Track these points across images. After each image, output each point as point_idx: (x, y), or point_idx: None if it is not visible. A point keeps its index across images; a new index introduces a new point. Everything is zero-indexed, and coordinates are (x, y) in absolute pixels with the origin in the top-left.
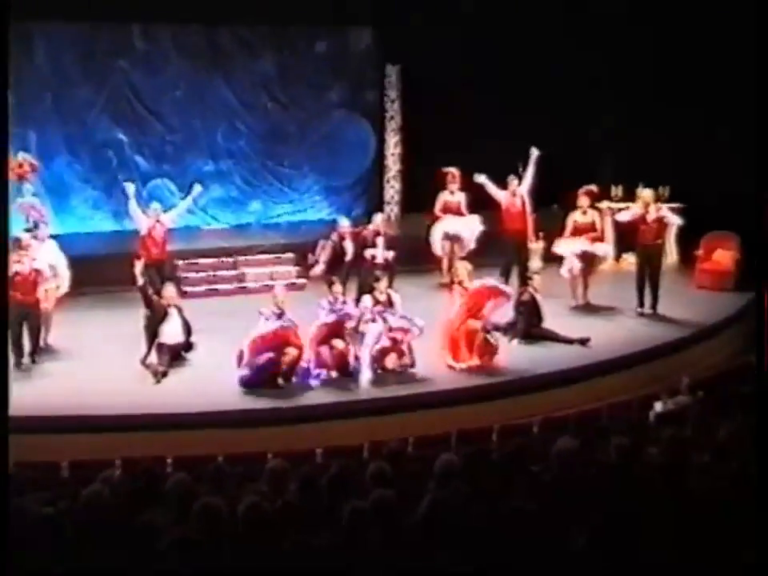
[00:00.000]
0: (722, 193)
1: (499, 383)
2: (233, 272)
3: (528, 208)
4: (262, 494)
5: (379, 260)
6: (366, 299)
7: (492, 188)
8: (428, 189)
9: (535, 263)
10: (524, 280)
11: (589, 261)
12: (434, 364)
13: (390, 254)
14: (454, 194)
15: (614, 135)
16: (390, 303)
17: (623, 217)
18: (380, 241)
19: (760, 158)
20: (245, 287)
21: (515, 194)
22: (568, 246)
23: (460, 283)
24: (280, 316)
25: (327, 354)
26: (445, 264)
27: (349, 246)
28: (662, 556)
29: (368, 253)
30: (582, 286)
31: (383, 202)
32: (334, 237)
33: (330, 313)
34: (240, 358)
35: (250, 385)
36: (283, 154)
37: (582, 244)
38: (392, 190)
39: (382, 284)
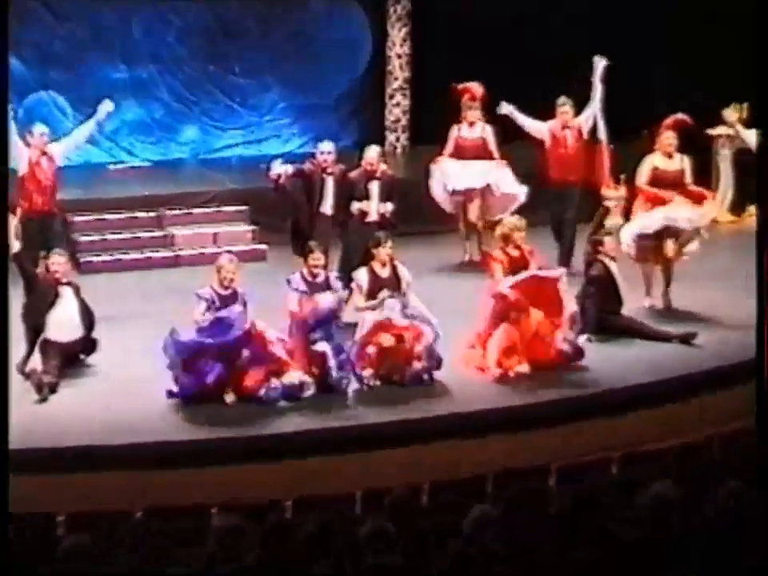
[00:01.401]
0: None
1: (558, 401)
2: (156, 233)
3: (600, 143)
4: (205, 563)
5: (372, 216)
6: (361, 274)
7: (526, 120)
8: (451, 108)
9: (612, 219)
10: (594, 246)
11: (673, 237)
12: (458, 372)
13: (389, 208)
14: (473, 126)
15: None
16: (395, 281)
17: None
18: (375, 187)
19: None
20: (175, 256)
21: (568, 126)
22: (643, 221)
23: (504, 247)
24: (227, 300)
25: (301, 356)
26: (462, 230)
27: (329, 189)
28: None
29: (356, 206)
30: (663, 276)
31: (383, 128)
32: (307, 167)
33: (306, 295)
34: (173, 361)
35: (186, 400)
36: (234, 56)
37: (668, 212)
38: (397, 110)
39: (384, 250)
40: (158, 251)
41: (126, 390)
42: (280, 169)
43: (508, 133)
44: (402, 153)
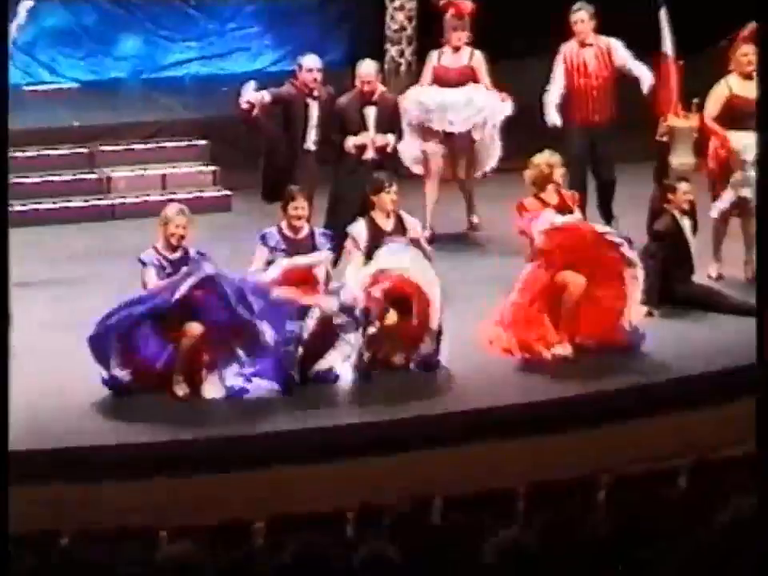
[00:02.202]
0: None
1: (605, 395)
2: (87, 175)
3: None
4: None
5: (369, 154)
6: (358, 228)
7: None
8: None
9: (682, 157)
10: (664, 193)
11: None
12: (477, 355)
13: (391, 141)
14: (458, 52)
15: None
16: (402, 234)
17: None
18: (371, 114)
19: None
20: (111, 205)
21: (586, 43)
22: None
23: (539, 193)
24: (178, 265)
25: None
26: (429, 194)
27: (314, 117)
28: None
29: (350, 141)
30: (745, 238)
31: (383, 38)
32: (287, 91)
33: (284, 255)
34: (104, 341)
35: (123, 391)
36: None
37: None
38: (400, 15)
39: (388, 196)
40: (89, 199)
41: (46, 380)
42: (253, 96)
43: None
44: (406, 71)
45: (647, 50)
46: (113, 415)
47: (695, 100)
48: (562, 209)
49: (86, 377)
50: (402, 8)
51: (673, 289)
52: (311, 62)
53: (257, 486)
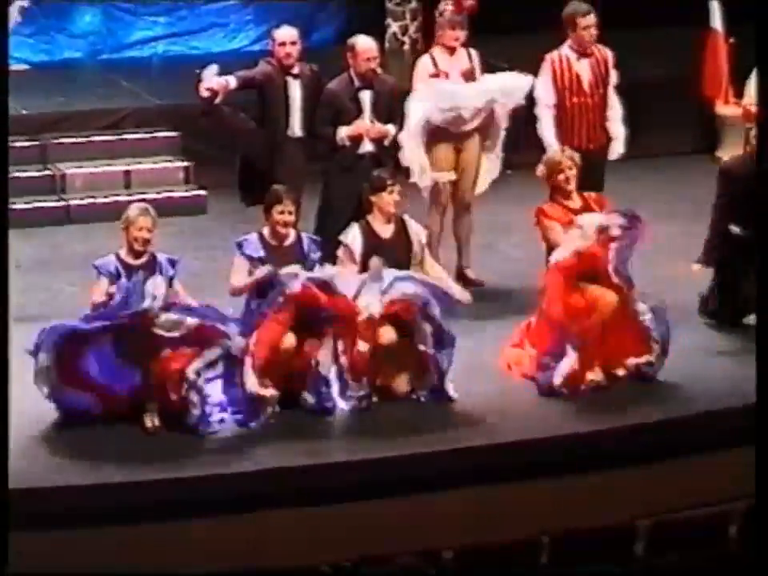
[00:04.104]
0: None
1: (644, 427)
2: (38, 172)
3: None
4: None
5: (366, 147)
6: (352, 234)
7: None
8: None
9: (732, 152)
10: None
11: None
12: (494, 381)
13: (391, 131)
14: (455, 54)
15: None
16: (404, 244)
17: None
18: (366, 99)
19: None
20: (65, 206)
21: (586, 52)
22: None
23: (559, 197)
24: (142, 270)
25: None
26: (435, 240)
27: (296, 99)
28: None
29: (343, 132)
30: None
31: (383, 12)
32: (261, 71)
33: (256, 262)
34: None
35: (71, 419)
36: None
37: None
38: None
39: (389, 197)
40: (40, 199)
41: None
42: (216, 82)
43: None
44: (410, 50)
45: (692, 24)
46: (60, 451)
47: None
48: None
49: (33, 405)
50: None
51: (737, 292)
52: (284, 34)
53: (235, 536)
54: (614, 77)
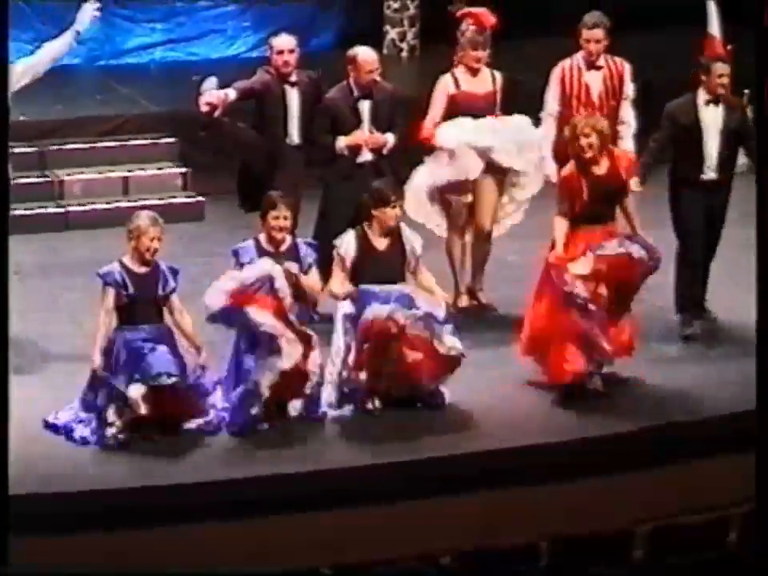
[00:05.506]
0: None
1: (648, 431)
2: (36, 178)
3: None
4: None
5: (364, 156)
6: (347, 240)
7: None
8: None
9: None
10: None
11: None
12: (493, 391)
13: (390, 141)
14: (477, 75)
15: None
16: (398, 256)
17: None
18: (365, 108)
19: None
20: (64, 212)
21: (595, 64)
22: None
23: (584, 161)
24: (144, 282)
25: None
26: (456, 259)
27: (294, 106)
28: None
29: (341, 142)
30: None
31: (381, 19)
32: (260, 80)
33: (249, 269)
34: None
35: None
36: None
37: None
38: None
39: (391, 212)
40: (38, 206)
41: None
42: (215, 96)
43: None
44: (408, 57)
45: (689, 27)
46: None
47: (746, 91)
48: (605, 183)
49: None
50: None
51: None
52: (282, 41)
53: (232, 542)
54: (629, 90)
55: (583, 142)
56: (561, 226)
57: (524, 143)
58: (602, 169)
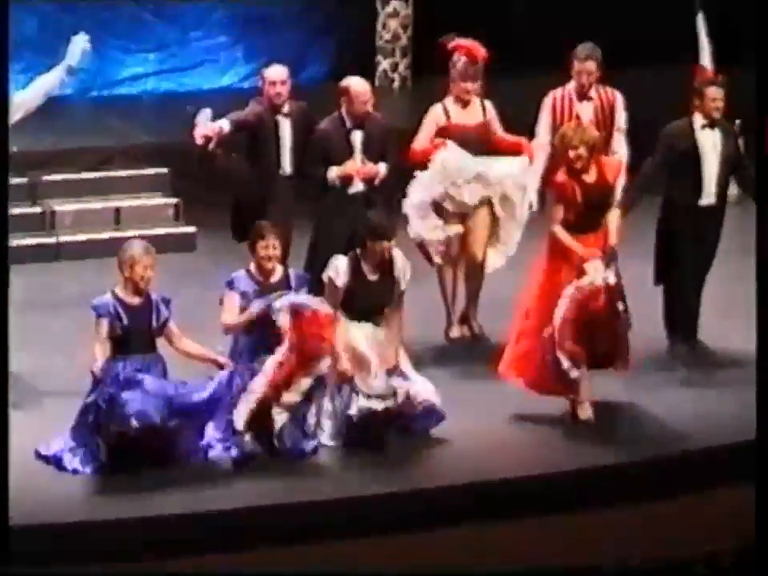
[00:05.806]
0: None
1: (648, 462)
2: (28, 209)
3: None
4: None
5: (356, 187)
6: (337, 267)
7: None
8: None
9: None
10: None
11: None
12: (483, 422)
13: (382, 171)
14: (468, 107)
15: None
16: (388, 287)
17: None
18: (357, 140)
19: None
20: (55, 243)
21: (587, 95)
22: None
23: (577, 165)
24: (137, 313)
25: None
26: (449, 290)
27: (286, 137)
28: None
29: (333, 173)
30: None
31: (373, 49)
32: (252, 111)
33: (250, 295)
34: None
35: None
36: None
37: None
38: (393, 22)
39: (384, 245)
40: (30, 236)
41: None
42: (209, 128)
43: None
44: (400, 87)
45: (681, 62)
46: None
47: (738, 122)
48: (596, 191)
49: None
50: (395, 14)
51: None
52: (274, 73)
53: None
54: (621, 121)
55: (572, 154)
56: (564, 234)
57: (523, 183)
58: (591, 177)
